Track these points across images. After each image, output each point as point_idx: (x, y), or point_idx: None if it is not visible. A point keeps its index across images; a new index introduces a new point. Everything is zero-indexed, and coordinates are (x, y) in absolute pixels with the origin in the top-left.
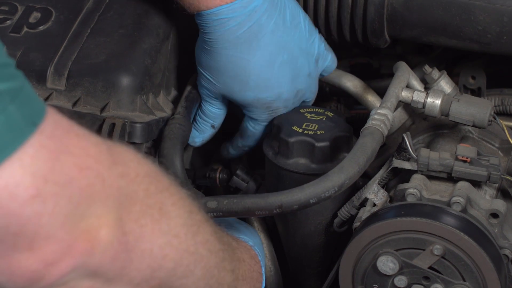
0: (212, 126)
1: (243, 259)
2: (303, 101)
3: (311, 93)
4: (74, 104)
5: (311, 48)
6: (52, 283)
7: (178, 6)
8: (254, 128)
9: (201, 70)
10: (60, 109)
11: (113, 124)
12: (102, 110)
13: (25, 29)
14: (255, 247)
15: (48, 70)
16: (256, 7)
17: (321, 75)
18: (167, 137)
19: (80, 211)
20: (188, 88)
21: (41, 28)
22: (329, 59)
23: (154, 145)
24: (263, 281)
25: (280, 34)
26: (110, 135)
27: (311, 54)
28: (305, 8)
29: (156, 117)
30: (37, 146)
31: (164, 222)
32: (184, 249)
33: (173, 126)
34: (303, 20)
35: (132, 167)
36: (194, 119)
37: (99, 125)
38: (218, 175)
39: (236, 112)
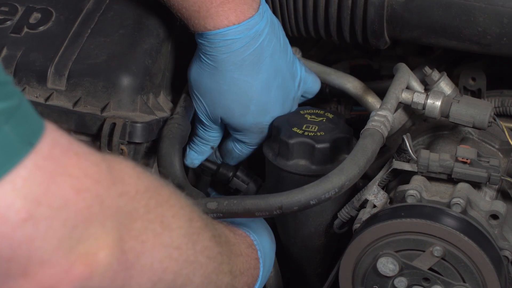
0: (212, 147)
1: (240, 252)
2: None
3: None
4: (75, 104)
5: (295, 71)
6: None
7: (182, 23)
8: (241, 152)
9: (198, 94)
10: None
11: (114, 124)
12: (103, 110)
13: (26, 29)
14: (250, 233)
15: (49, 70)
16: (260, 29)
17: (304, 97)
18: (166, 137)
19: (77, 234)
20: (187, 88)
21: (41, 28)
22: (309, 81)
23: (154, 146)
24: (261, 266)
25: (276, 57)
26: (110, 134)
27: (296, 78)
28: (305, 10)
29: (156, 117)
30: (31, 168)
31: (166, 235)
32: (184, 260)
33: (171, 126)
34: (288, 45)
35: (131, 184)
36: (192, 141)
37: (99, 125)
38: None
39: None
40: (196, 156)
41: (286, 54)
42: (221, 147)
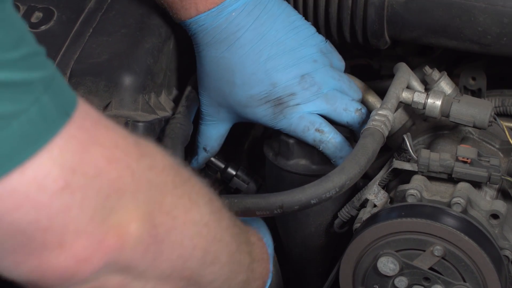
0: (204, 149)
1: (254, 242)
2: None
3: (328, 77)
4: None
5: (308, 36)
6: (84, 279)
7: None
8: (283, 125)
9: (199, 84)
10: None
11: None
12: (105, 109)
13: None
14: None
15: None
16: (234, 10)
17: None
18: (168, 137)
19: (109, 205)
20: (189, 87)
21: (43, 27)
22: (335, 56)
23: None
24: (271, 262)
25: (265, 29)
26: None
27: (310, 43)
28: (305, 9)
29: (158, 117)
30: (66, 137)
31: (195, 211)
32: (212, 237)
33: (173, 126)
34: (301, 20)
35: (158, 159)
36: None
37: None
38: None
39: None
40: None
41: (290, 27)
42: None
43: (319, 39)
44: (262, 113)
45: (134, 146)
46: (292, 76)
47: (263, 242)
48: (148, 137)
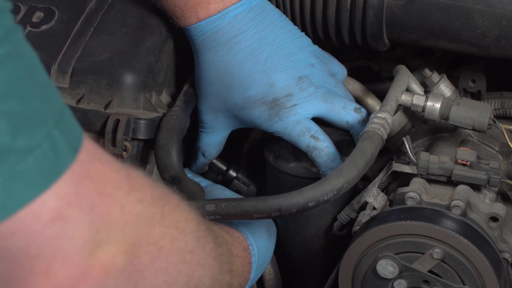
0: (203, 155)
1: (237, 254)
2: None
3: (320, 79)
4: (78, 101)
5: (306, 44)
6: None
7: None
8: (278, 129)
9: (197, 90)
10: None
11: (118, 120)
12: (106, 107)
13: (28, 28)
14: (247, 236)
15: (52, 68)
16: (236, 15)
17: None
18: (164, 128)
19: (98, 238)
20: (187, 84)
21: (44, 27)
22: (335, 64)
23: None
24: (252, 270)
25: (265, 34)
26: (114, 131)
27: (306, 48)
28: (302, 12)
29: (159, 115)
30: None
31: (181, 239)
32: (196, 263)
33: (170, 118)
34: (299, 31)
35: (148, 191)
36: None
37: (103, 122)
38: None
39: None
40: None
41: (285, 29)
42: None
43: (316, 48)
44: (258, 115)
45: (126, 180)
46: (290, 77)
47: (247, 251)
48: (139, 168)
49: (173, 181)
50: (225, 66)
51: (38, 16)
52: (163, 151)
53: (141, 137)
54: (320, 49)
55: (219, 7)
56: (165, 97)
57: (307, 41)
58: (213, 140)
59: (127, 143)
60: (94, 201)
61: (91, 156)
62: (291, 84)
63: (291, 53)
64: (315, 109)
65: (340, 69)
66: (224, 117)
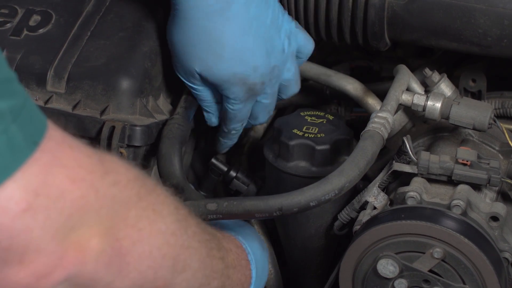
0: (217, 103)
1: (230, 248)
2: (284, 85)
3: (289, 72)
4: (74, 107)
5: (282, 23)
6: None
7: None
8: (233, 109)
9: (173, 50)
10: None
11: (113, 127)
12: (102, 113)
13: (25, 32)
14: (238, 237)
15: (48, 73)
16: None
17: (298, 57)
18: (166, 137)
19: (71, 223)
20: (187, 89)
21: (41, 31)
22: (301, 38)
23: (153, 148)
24: (252, 268)
25: (253, 6)
26: (110, 138)
27: (282, 29)
28: (306, 11)
29: (156, 120)
30: (30, 161)
31: (161, 221)
32: (180, 245)
33: (171, 126)
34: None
35: (122, 173)
36: (200, 105)
37: (99, 128)
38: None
39: None
40: (211, 116)
41: (266, 4)
42: (221, 115)
43: (287, 24)
44: (235, 92)
45: (98, 164)
46: (268, 64)
47: (241, 248)
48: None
49: (176, 190)
50: (219, 34)
51: (35, 19)
52: (165, 160)
53: (136, 144)
54: (290, 21)
55: None
56: (162, 101)
57: (282, 16)
58: (206, 88)
59: (122, 150)
60: (65, 188)
61: (59, 144)
62: (267, 72)
63: (269, 33)
64: (268, 99)
65: (307, 43)
66: (205, 86)
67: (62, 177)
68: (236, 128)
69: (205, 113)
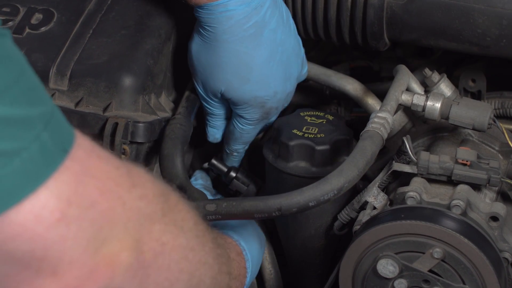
0: (226, 119)
1: (233, 258)
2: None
3: (290, 99)
4: (77, 104)
5: (300, 50)
6: None
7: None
8: (243, 129)
9: (198, 68)
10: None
11: (116, 124)
12: (105, 110)
13: (27, 30)
14: (239, 242)
15: (51, 71)
16: (261, 1)
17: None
18: (168, 137)
19: (102, 235)
20: (189, 88)
21: (43, 29)
22: (306, 67)
23: (155, 145)
24: (248, 275)
25: (280, 32)
26: (113, 134)
27: (299, 56)
28: (303, 12)
29: (158, 117)
30: (61, 169)
31: (182, 237)
32: (197, 261)
33: (174, 126)
34: (293, 22)
35: (149, 188)
36: (206, 119)
37: (102, 125)
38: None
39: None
40: (216, 132)
41: (289, 29)
42: (225, 130)
43: (302, 49)
44: (252, 113)
45: (126, 176)
46: (285, 90)
47: (241, 256)
48: (140, 164)
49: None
50: (248, 59)
51: (37, 17)
52: (167, 161)
53: (139, 140)
54: (301, 47)
55: None
56: (164, 99)
57: (299, 43)
58: (222, 109)
59: (125, 146)
60: (95, 199)
61: (89, 154)
62: (283, 98)
63: (290, 59)
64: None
65: (306, 70)
66: (221, 103)
67: (92, 187)
68: (238, 150)
69: (209, 128)
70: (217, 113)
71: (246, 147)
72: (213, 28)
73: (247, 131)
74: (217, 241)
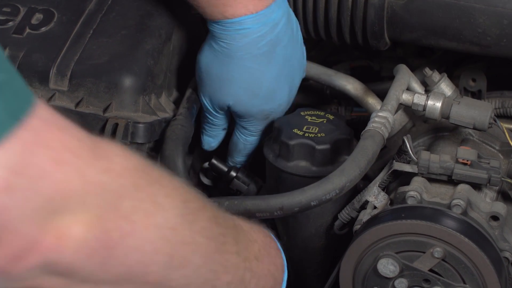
0: (224, 129)
1: (255, 239)
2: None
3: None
4: (77, 104)
5: (303, 60)
6: (17, 277)
7: (195, 12)
8: (246, 140)
9: (207, 81)
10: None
11: (116, 124)
12: (105, 110)
13: (28, 30)
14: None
15: (51, 71)
16: (277, 19)
17: None
18: (169, 138)
19: (52, 206)
20: (190, 89)
21: (43, 29)
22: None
23: (156, 146)
24: (283, 256)
25: (289, 48)
26: (113, 135)
27: (303, 67)
28: (304, 11)
29: (158, 118)
30: (12, 139)
31: (159, 215)
32: (179, 241)
33: (175, 127)
34: (300, 34)
35: (118, 161)
36: (203, 128)
37: (102, 125)
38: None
39: None
40: (212, 140)
41: (297, 42)
42: (229, 146)
43: (305, 56)
44: (256, 126)
45: (88, 149)
46: (288, 101)
47: (270, 238)
48: (114, 139)
49: None
50: (260, 76)
51: (37, 18)
52: (168, 162)
53: (140, 141)
54: (305, 56)
55: (265, 2)
56: (164, 100)
57: (303, 53)
58: (223, 120)
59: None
60: (47, 169)
61: (47, 124)
62: (286, 108)
63: (294, 72)
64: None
65: (304, 74)
66: (225, 115)
67: (45, 158)
68: (242, 163)
69: (205, 137)
70: (217, 123)
71: (249, 160)
72: (227, 44)
73: (250, 142)
74: (223, 221)
